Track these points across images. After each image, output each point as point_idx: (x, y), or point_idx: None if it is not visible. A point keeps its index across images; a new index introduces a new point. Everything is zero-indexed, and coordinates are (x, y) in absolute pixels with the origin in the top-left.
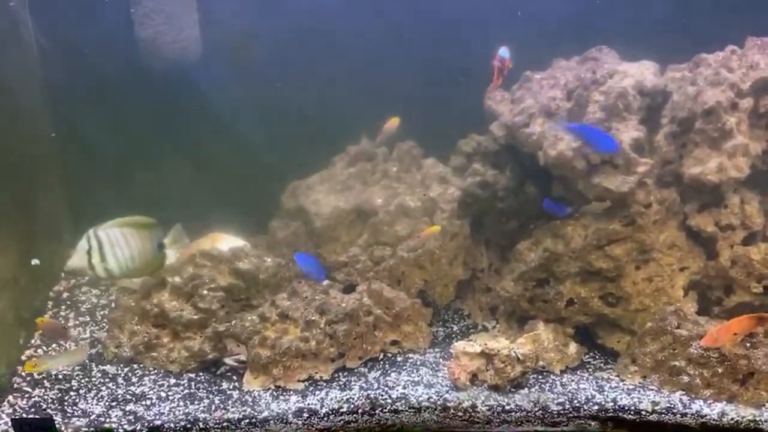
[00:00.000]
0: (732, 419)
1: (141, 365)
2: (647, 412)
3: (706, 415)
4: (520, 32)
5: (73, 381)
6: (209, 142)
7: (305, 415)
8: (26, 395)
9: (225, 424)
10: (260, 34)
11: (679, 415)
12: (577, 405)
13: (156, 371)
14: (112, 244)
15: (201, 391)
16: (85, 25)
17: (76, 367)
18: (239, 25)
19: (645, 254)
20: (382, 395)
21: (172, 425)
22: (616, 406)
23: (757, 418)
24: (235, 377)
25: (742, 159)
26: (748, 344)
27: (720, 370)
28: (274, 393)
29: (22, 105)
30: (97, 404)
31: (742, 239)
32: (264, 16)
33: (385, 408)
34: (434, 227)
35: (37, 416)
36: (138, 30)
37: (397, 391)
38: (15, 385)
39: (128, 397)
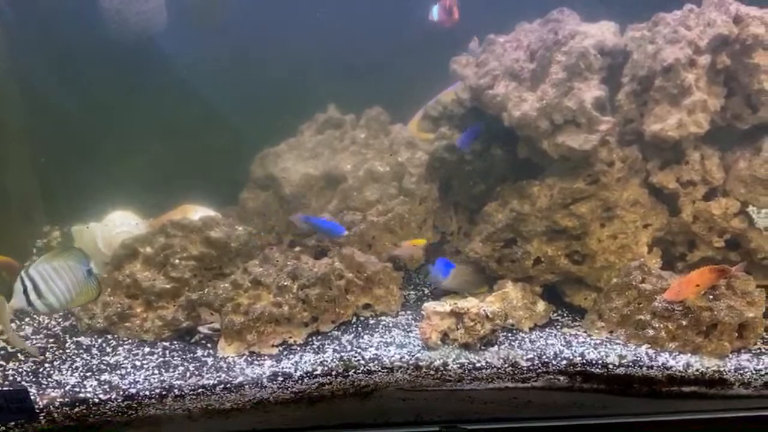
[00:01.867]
0: (697, 370)
1: (115, 336)
2: (614, 365)
3: (671, 367)
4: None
5: (47, 353)
6: (178, 114)
7: (280, 378)
8: (0, 368)
9: (200, 390)
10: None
11: (645, 368)
12: (546, 360)
13: (130, 341)
14: (45, 279)
15: (176, 359)
16: None
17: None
18: None
19: (609, 212)
20: (355, 357)
21: (147, 393)
22: (584, 361)
23: (721, 369)
24: (209, 345)
25: (701, 115)
26: (711, 297)
27: (684, 323)
28: (249, 358)
29: None
30: (71, 375)
31: (703, 195)
32: None
33: (359, 369)
34: (419, 240)
35: (11, 388)
36: (102, 0)
37: (370, 352)
38: None
39: (103, 366)
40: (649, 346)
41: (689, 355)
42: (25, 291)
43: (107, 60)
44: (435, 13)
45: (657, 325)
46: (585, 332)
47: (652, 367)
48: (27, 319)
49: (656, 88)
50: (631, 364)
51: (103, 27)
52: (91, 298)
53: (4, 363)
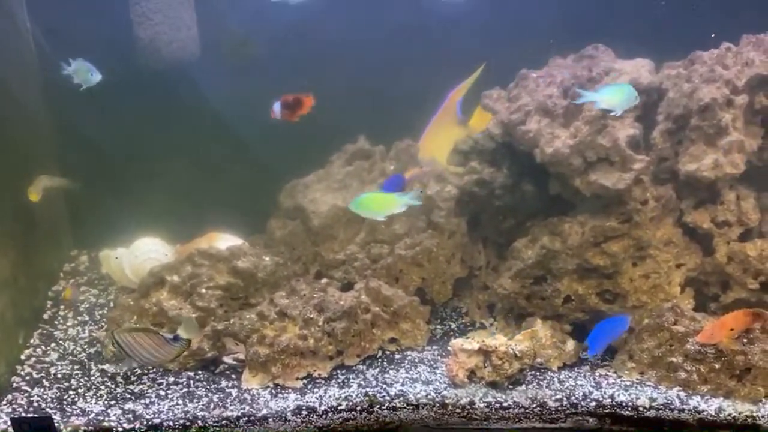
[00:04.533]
0: (729, 415)
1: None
2: (645, 408)
3: (703, 411)
4: (517, 32)
5: (72, 380)
6: (207, 142)
7: (304, 412)
8: (25, 394)
9: (224, 422)
10: (258, 34)
11: (676, 411)
12: (575, 401)
13: (155, 370)
14: (129, 345)
15: (200, 389)
16: (84, 24)
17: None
18: (237, 25)
19: (642, 251)
20: (380, 392)
21: (171, 423)
22: (614, 402)
23: (754, 414)
24: (234, 375)
25: (737, 155)
26: (745, 340)
27: (717, 366)
28: (273, 391)
29: (22, 105)
30: (96, 403)
31: (739, 235)
32: (262, 16)
33: (384, 405)
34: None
35: (36, 415)
36: (136, 30)
37: (396, 388)
38: (14, 384)
39: (127, 395)
40: (681, 388)
41: (722, 399)
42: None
43: (139, 88)
44: (276, 109)
45: (689, 368)
46: (615, 373)
47: (683, 410)
48: (53, 345)
49: (692, 127)
50: (662, 406)
51: (136, 55)
52: (174, 357)
53: (29, 389)
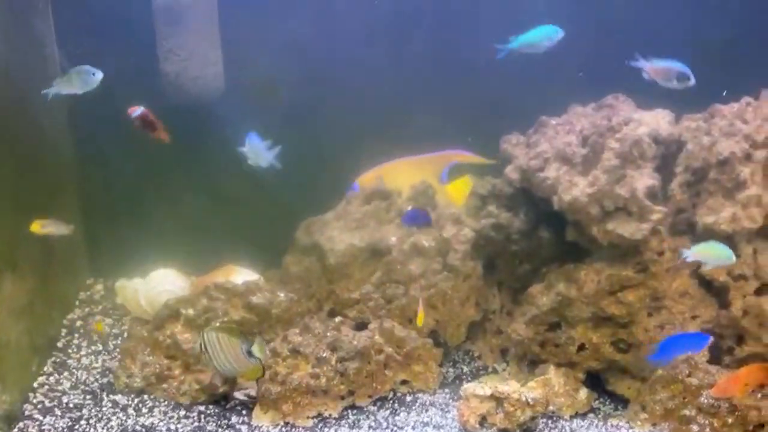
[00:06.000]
0: None
1: (151, 396)
2: None
3: None
4: (538, 77)
5: (83, 409)
6: (226, 177)
7: None
8: (37, 422)
9: None
10: (282, 76)
11: None
12: None
13: (166, 403)
14: (212, 345)
15: (210, 424)
16: (108, 56)
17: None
18: (262, 67)
19: (657, 301)
20: None
21: None
22: None
23: None
24: (244, 411)
25: (755, 210)
26: (759, 395)
27: (730, 421)
28: (283, 429)
29: (47, 134)
30: None
31: (755, 290)
32: (287, 58)
33: None
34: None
35: None
36: (162, 65)
37: (406, 431)
38: (26, 412)
39: (138, 428)
40: None
41: None
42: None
43: (162, 120)
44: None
45: (702, 421)
46: (627, 423)
47: None
48: (66, 374)
49: (710, 180)
50: None
51: (160, 90)
52: (254, 376)
53: (41, 417)
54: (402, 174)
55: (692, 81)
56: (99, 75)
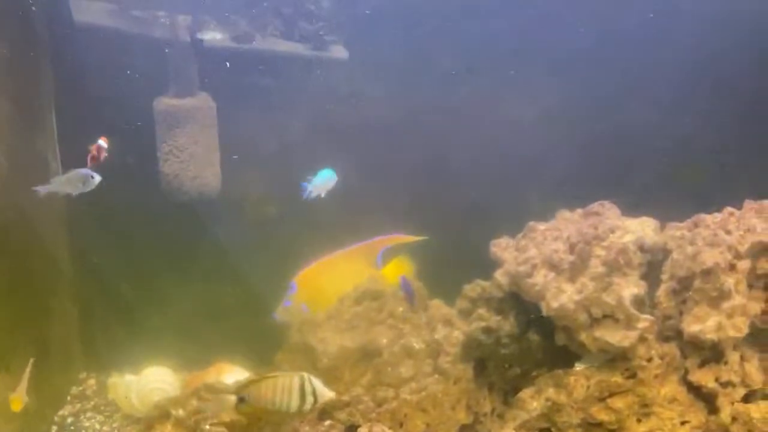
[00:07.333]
0: None
1: None
2: None
3: None
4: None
5: None
6: (219, 277)
7: None
8: None
9: None
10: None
11: None
12: None
13: None
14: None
15: None
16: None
17: None
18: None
19: (646, 408)
20: None
21: None
22: None
23: None
24: None
25: (740, 319)
26: None
27: None
28: None
29: (42, 236)
30: None
31: (743, 396)
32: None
33: None
34: None
35: None
36: (162, 165)
37: None
38: None
39: None
40: None
41: None
42: None
43: (158, 219)
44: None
45: None
46: None
47: None
48: None
49: (695, 289)
50: None
51: (159, 188)
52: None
53: None
54: (338, 267)
55: None
56: (97, 179)
